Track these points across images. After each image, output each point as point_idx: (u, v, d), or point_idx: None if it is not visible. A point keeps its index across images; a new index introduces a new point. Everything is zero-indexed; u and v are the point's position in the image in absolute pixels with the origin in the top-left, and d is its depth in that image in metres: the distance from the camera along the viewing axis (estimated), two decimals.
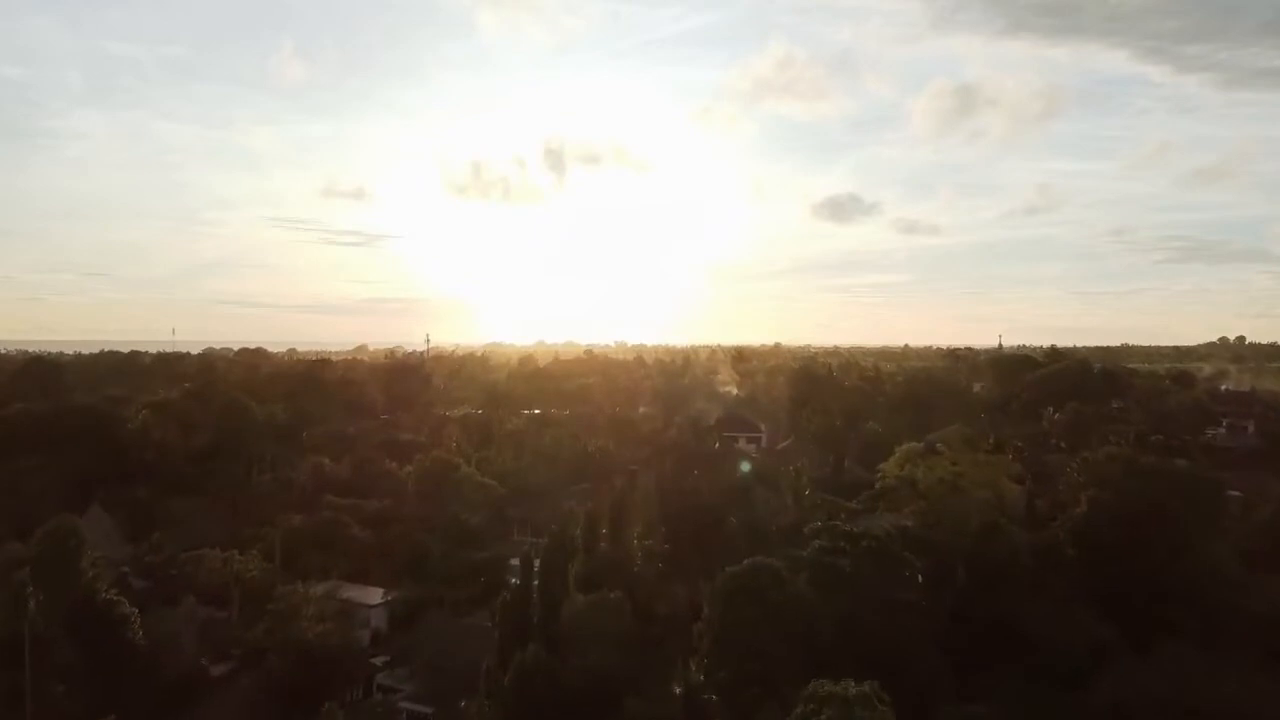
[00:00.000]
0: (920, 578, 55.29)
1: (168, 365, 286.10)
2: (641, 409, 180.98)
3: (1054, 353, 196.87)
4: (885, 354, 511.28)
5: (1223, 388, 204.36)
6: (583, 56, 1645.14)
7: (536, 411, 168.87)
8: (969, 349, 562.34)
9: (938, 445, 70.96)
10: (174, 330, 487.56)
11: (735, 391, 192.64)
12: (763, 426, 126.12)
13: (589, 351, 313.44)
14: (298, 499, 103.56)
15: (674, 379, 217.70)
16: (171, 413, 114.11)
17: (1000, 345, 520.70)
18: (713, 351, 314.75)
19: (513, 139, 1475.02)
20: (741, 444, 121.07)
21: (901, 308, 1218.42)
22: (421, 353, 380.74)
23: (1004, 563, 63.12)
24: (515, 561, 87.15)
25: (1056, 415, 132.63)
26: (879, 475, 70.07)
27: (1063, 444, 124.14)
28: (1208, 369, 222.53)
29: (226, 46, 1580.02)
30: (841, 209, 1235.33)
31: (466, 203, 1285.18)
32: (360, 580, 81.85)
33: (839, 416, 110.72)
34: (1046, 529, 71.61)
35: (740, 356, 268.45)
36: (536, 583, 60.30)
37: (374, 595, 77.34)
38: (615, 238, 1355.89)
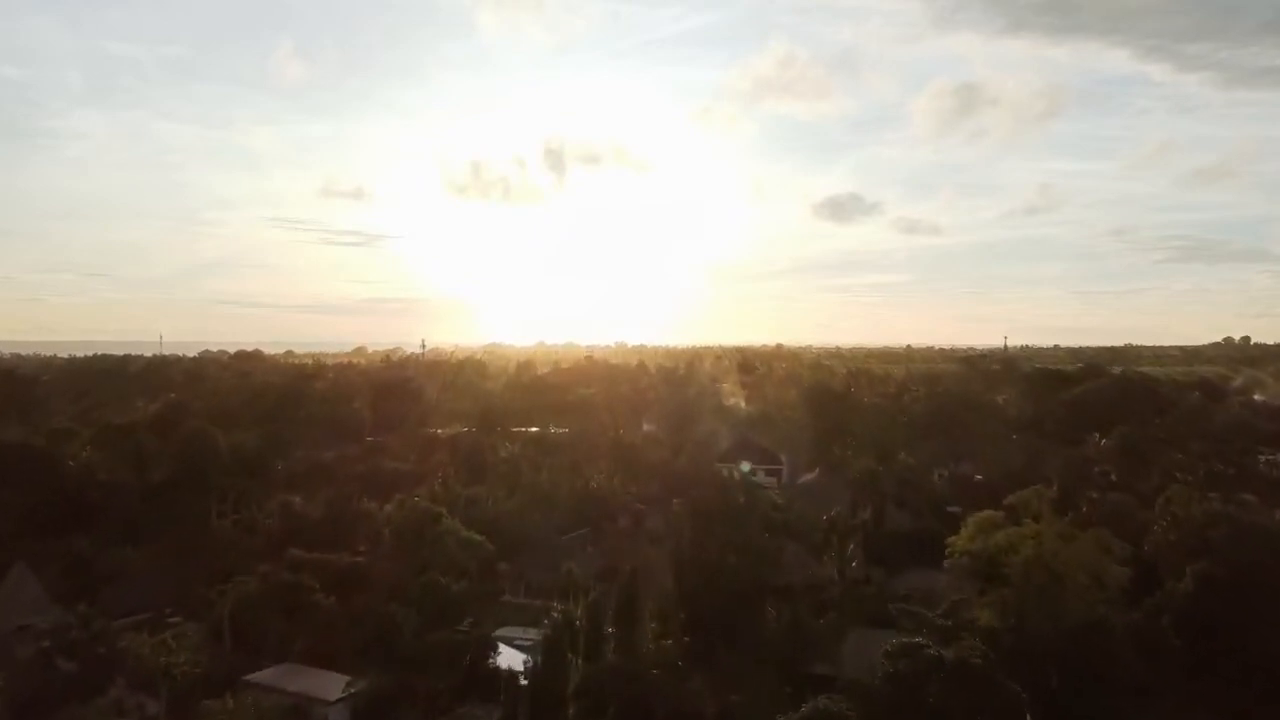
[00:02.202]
0: (1026, 714, 41.57)
1: (155, 373, 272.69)
2: (645, 425, 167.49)
3: (1088, 368, 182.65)
4: (887, 355, 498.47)
5: (1255, 397, 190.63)
6: (583, 56, 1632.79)
7: (534, 429, 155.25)
8: (971, 349, 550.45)
9: (1016, 510, 57.24)
10: (161, 337, 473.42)
11: (743, 405, 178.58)
12: (783, 457, 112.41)
13: (589, 357, 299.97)
14: (262, 546, 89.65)
15: (678, 390, 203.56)
16: (123, 447, 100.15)
17: (1005, 346, 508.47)
18: (716, 357, 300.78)
19: (513, 139, 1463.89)
20: (760, 477, 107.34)
21: (902, 308, 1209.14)
22: (418, 355, 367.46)
23: (1106, 665, 49.71)
24: (504, 632, 74.07)
25: (1103, 441, 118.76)
26: (947, 551, 56.37)
27: (1113, 474, 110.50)
28: (1239, 379, 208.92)
29: (226, 46, 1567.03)
30: (842, 209, 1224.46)
31: (466, 203, 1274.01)
32: (324, 658, 67.97)
33: (870, 453, 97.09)
34: (1142, 605, 58.18)
35: (745, 365, 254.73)
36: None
37: (335, 685, 63.35)
38: (615, 238, 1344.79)
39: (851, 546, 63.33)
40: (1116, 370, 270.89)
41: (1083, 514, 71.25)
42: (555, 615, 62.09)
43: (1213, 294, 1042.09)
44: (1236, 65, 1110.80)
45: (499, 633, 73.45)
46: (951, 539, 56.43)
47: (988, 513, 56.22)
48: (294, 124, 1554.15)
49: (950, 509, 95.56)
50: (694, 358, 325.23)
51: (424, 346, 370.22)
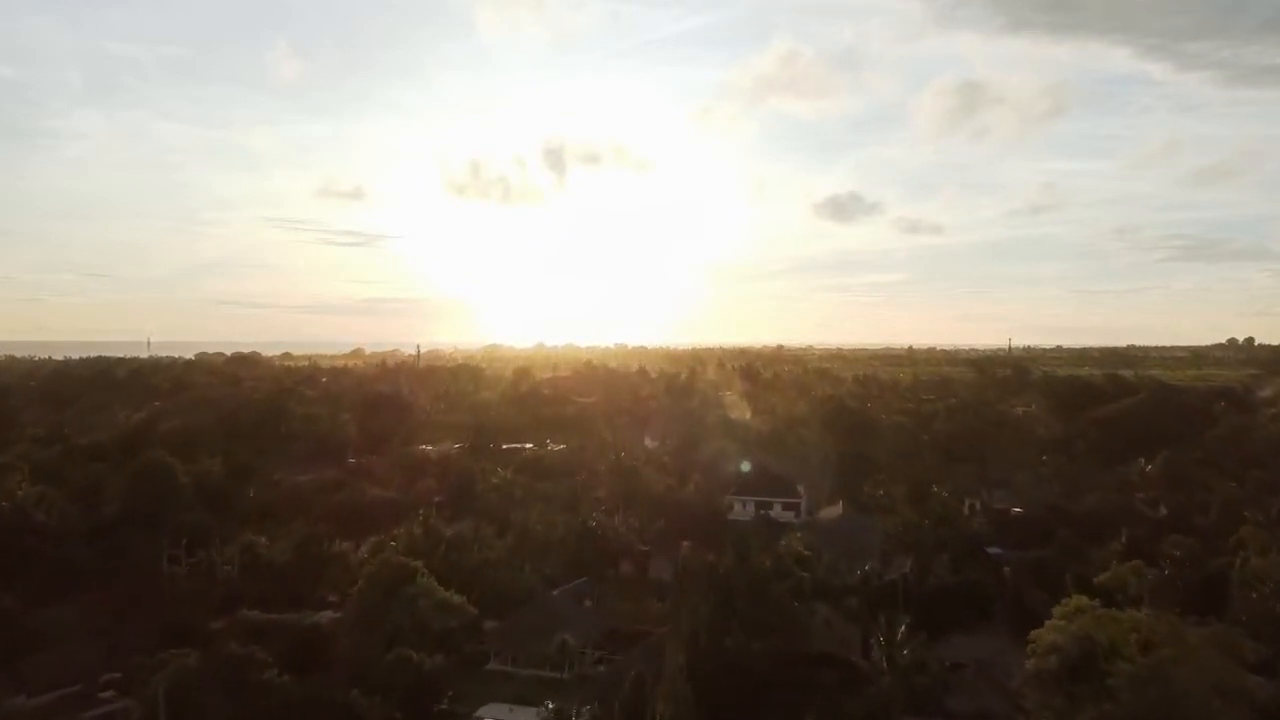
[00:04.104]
0: None
1: (142, 380, 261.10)
2: (648, 439, 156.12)
3: (1116, 381, 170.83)
4: (889, 356, 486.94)
5: None
6: (583, 56, 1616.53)
7: (528, 446, 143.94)
8: (973, 349, 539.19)
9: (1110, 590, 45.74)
10: (149, 341, 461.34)
11: (749, 417, 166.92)
12: (800, 488, 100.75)
13: (589, 363, 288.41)
14: (219, 598, 78.37)
15: (681, 399, 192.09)
16: (71, 480, 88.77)
17: (1010, 347, 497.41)
18: (719, 362, 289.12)
19: (513, 139, 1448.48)
20: (777, 510, 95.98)
21: (902, 307, 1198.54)
22: (414, 359, 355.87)
23: None
24: (488, 710, 62.81)
25: (1148, 467, 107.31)
26: (1029, 649, 44.87)
27: (1163, 506, 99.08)
28: (1268, 389, 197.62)
29: (226, 46, 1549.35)
30: (843, 209, 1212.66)
31: (466, 203, 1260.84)
32: None
33: (896, 481, 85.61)
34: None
35: (749, 370, 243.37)
36: None
37: None
38: (615, 238, 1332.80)
39: (902, 629, 51.91)
40: (1128, 374, 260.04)
41: (1165, 577, 59.74)
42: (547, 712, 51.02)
43: (1214, 293, 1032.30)
44: (1238, 64, 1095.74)
45: (483, 710, 62.25)
46: (1035, 633, 44.95)
47: (1078, 600, 44.89)
48: (293, 124, 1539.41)
49: (991, 550, 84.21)
50: (695, 361, 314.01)
51: (419, 352, 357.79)
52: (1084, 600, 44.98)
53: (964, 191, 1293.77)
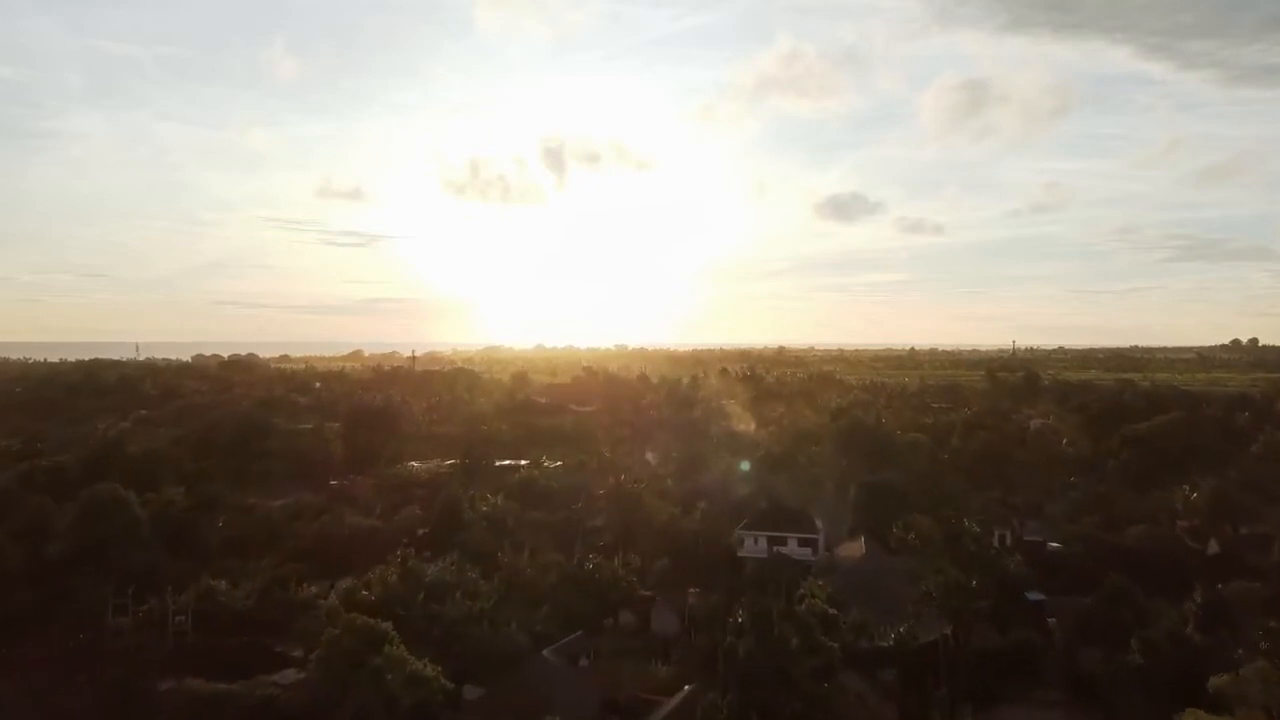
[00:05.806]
0: None
1: (131, 387, 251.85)
2: (649, 455, 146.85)
3: (1139, 392, 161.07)
4: (892, 358, 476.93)
5: None
6: (583, 56, 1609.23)
7: (523, 464, 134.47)
8: (975, 349, 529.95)
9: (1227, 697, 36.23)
10: (138, 346, 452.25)
11: (754, 429, 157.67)
12: (819, 522, 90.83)
13: (588, 368, 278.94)
14: (169, 656, 68.72)
15: (683, 410, 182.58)
16: (15, 515, 79.34)
17: (1014, 349, 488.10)
18: (721, 365, 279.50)
19: (512, 139, 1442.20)
20: (792, 547, 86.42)
21: (903, 307, 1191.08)
22: (411, 360, 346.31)
23: None
24: None
25: (1193, 494, 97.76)
26: None
27: (1213, 541, 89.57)
28: None
29: (226, 46, 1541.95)
30: (844, 208, 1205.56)
31: (466, 203, 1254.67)
32: None
33: (927, 521, 76.15)
34: None
35: (753, 377, 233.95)
36: None
37: None
38: (615, 238, 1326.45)
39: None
40: (1137, 378, 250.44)
41: (1261, 651, 50.04)
42: None
43: (1214, 293, 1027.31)
44: (1238, 63, 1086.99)
45: None
46: None
47: (1195, 716, 35.45)
48: (293, 124, 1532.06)
49: (1032, 596, 74.59)
50: (696, 364, 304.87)
51: (414, 356, 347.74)
52: (1203, 716, 35.51)
53: (965, 191, 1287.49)
